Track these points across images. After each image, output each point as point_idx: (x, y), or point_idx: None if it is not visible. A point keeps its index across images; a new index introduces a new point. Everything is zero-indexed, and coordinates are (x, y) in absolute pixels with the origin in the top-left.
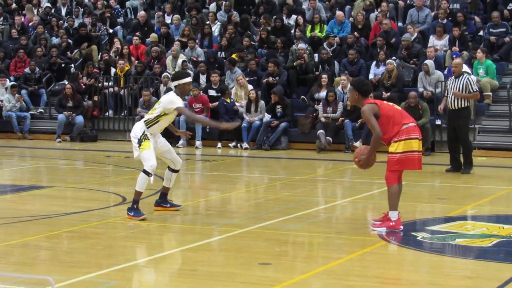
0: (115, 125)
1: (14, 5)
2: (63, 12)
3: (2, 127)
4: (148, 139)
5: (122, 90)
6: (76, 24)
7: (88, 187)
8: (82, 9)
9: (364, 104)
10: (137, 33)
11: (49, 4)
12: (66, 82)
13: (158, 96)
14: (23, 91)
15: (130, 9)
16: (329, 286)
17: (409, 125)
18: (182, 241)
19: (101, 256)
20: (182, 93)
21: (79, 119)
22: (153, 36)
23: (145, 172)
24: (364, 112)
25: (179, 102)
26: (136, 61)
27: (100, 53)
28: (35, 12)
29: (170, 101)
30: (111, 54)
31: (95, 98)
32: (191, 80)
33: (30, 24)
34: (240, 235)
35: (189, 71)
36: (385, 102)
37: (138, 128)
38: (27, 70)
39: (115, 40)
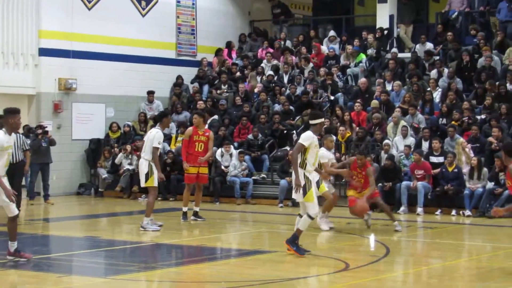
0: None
1: (238, 73)
2: (285, 79)
3: (226, 192)
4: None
5: (343, 157)
6: (298, 91)
7: (310, 253)
8: (304, 77)
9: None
10: (358, 100)
11: (271, 72)
12: (288, 148)
13: (379, 162)
14: (246, 157)
15: (351, 76)
16: None
17: None
18: None
19: None
20: (315, 131)
21: None
22: (374, 102)
23: (310, 217)
24: None
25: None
26: (357, 128)
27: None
28: (259, 80)
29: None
30: (332, 121)
31: None
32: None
33: (255, 91)
34: None
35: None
36: None
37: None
38: (250, 136)
39: (337, 107)
